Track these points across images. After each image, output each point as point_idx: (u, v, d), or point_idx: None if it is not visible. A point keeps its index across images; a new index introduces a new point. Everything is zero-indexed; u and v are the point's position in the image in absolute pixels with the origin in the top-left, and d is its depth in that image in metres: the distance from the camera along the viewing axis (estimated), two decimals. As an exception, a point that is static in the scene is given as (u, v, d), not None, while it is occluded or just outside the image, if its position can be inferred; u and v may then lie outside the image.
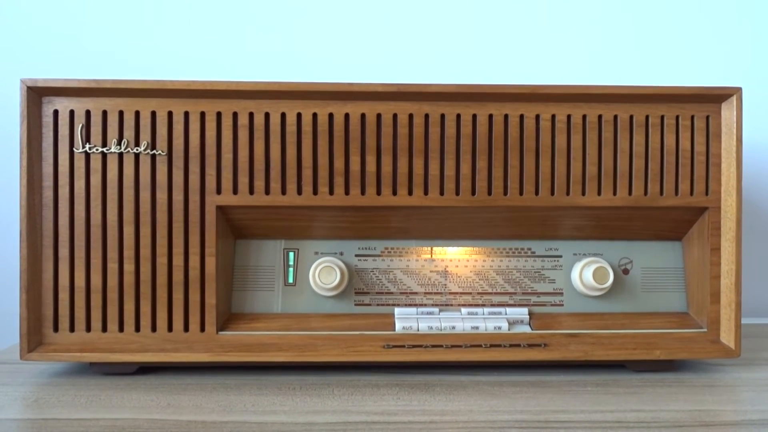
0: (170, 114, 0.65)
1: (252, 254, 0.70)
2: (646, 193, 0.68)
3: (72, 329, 0.65)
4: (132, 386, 0.63)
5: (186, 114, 0.65)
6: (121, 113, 0.65)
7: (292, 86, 0.65)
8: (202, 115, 0.65)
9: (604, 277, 0.68)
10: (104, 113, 0.65)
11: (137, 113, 0.65)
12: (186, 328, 0.66)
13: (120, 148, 0.65)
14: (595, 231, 0.71)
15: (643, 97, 0.67)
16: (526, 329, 0.69)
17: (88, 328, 0.65)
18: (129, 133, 0.65)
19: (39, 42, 1.04)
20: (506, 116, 0.67)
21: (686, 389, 0.64)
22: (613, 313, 0.71)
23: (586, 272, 0.69)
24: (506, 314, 0.70)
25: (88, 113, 0.65)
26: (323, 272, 0.67)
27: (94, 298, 0.65)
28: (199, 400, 0.59)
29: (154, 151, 0.65)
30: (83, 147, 0.65)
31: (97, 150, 0.65)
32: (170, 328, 0.66)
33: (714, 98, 0.67)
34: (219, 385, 0.64)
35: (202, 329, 0.66)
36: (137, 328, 0.65)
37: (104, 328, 0.65)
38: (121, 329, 0.65)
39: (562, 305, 0.71)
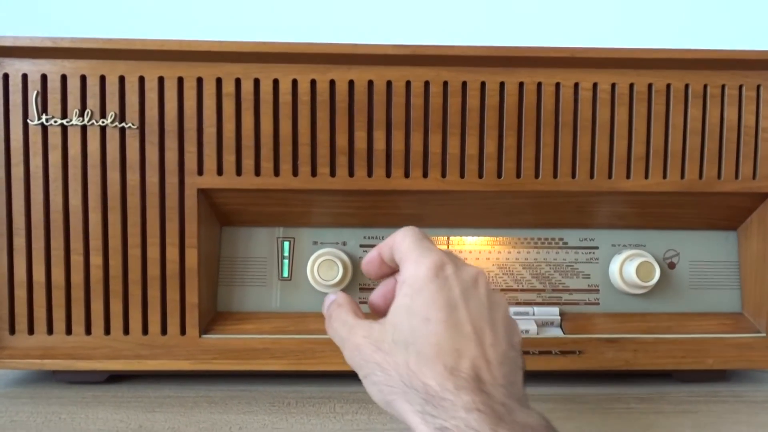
0: (142, 79, 0.56)
1: (241, 244, 0.61)
2: (701, 176, 0.58)
3: (31, 331, 0.57)
4: (100, 399, 0.55)
5: (161, 79, 0.56)
6: (83, 78, 0.55)
7: (287, 47, 0.55)
8: (180, 80, 0.56)
9: (649, 273, 0.59)
10: (63, 78, 0.55)
11: (102, 78, 0.55)
12: (164, 331, 0.57)
13: (83, 120, 0.55)
14: (638, 219, 0.61)
15: (701, 62, 0.57)
16: (558, 333, 0.60)
17: (50, 331, 0.57)
18: (93, 101, 0.55)
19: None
20: (539, 85, 0.57)
21: (745, 407, 0.55)
22: (656, 313, 0.62)
23: (627, 267, 0.60)
24: (534, 315, 0.61)
25: (44, 78, 0.55)
26: (323, 266, 0.58)
27: (56, 295, 0.56)
28: (176, 421, 0.50)
29: (124, 124, 0.55)
30: (39, 118, 0.55)
31: (55, 122, 0.55)
32: (145, 331, 0.57)
33: (785, 64, 0.57)
34: (201, 398, 0.55)
35: (183, 332, 0.57)
36: (107, 331, 0.57)
37: (68, 331, 0.57)
38: (88, 332, 0.57)
39: (598, 304, 0.62)
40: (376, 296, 0.46)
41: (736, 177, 0.58)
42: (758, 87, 0.58)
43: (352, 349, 0.41)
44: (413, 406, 0.35)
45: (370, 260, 0.45)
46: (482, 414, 0.33)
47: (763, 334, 0.60)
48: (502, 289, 0.62)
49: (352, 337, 0.41)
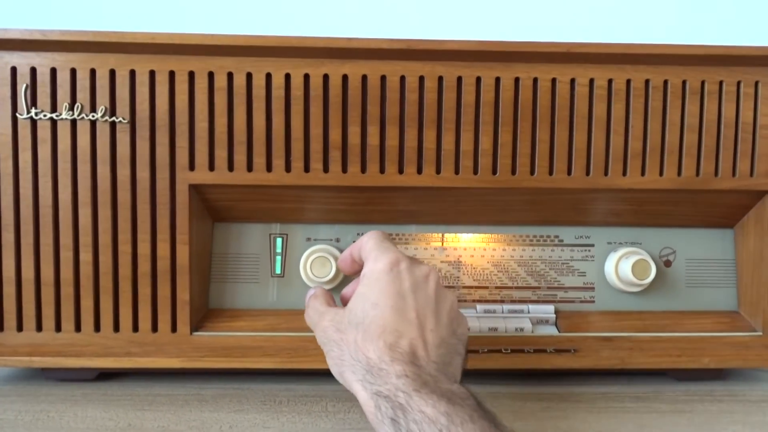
0: (133, 73, 0.55)
1: (233, 240, 0.60)
2: (698, 173, 0.57)
3: (20, 328, 0.56)
4: (90, 397, 0.54)
5: (152, 73, 0.55)
6: (73, 71, 0.54)
7: (280, 41, 0.54)
8: (171, 74, 0.55)
9: (645, 271, 0.59)
10: (53, 71, 0.54)
11: (93, 72, 0.55)
12: (154, 328, 0.57)
13: (73, 114, 0.54)
14: (634, 216, 0.61)
15: (699, 58, 0.56)
16: (553, 331, 0.60)
17: (39, 328, 0.56)
18: (83, 95, 0.54)
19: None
20: (535, 80, 0.56)
21: (741, 406, 0.55)
22: (652, 311, 0.61)
23: (623, 265, 0.59)
24: (529, 312, 0.60)
25: (33, 71, 0.54)
26: (316, 263, 0.58)
27: (45, 292, 0.56)
28: (166, 420, 0.49)
29: (114, 118, 0.55)
30: (28, 112, 0.54)
31: (45, 116, 0.54)
32: (136, 328, 0.56)
33: (783, 61, 0.56)
34: (192, 396, 0.55)
35: (174, 329, 0.56)
36: (97, 328, 0.56)
37: (58, 328, 0.56)
38: (78, 329, 0.56)
39: (593, 302, 0.62)
40: (347, 290, 0.51)
41: (734, 174, 0.58)
42: (756, 83, 0.57)
43: (320, 332, 0.47)
44: (356, 375, 0.41)
45: (343, 259, 0.51)
46: (409, 379, 0.39)
47: (760, 333, 0.60)
48: (497, 287, 0.61)
49: (321, 322, 0.47)
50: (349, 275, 0.53)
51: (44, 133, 0.54)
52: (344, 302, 0.50)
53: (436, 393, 0.38)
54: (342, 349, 0.44)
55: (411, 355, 0.41)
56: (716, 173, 0.57)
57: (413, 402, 0.38)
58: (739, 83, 0.57)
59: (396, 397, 0.38)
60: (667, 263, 0.62)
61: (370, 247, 0.47)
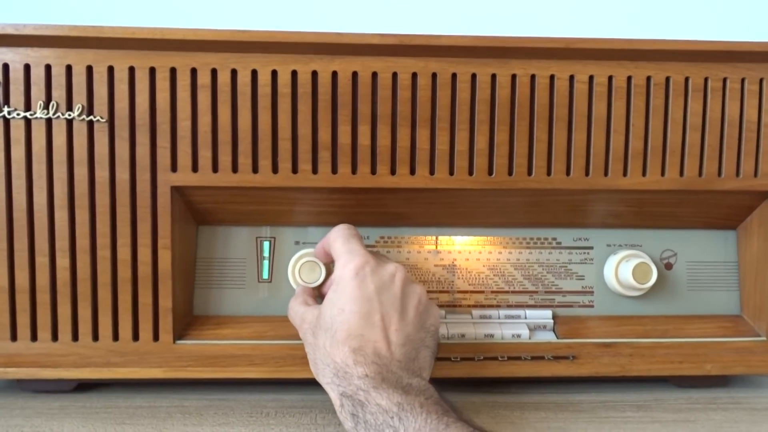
0: (111, 69, 0.52)
1: (218, 244, 0.57)
2: (701, 173, 0.55)
3: (-7, 338, 0.53)
4: (67, 410, 0.52)
5: (131, 70, 0.52)
6: (48, 68, 0.52)
7: (266, 36, 0.52)
8: (152, 71, 0.52)
9: (646, 275, 0.57)
10: (27, 68, 0.52)
11: (69, 68, 0.52)
12: (135, 337, 0.54)
13: (48, 113, 0.52)
14: (635, 218, 0.59)
15: (702, 54, 0.54)
16: (551, 337, 0.58)
17: (14, 337, 0.54)
18: (59, 93, 0.52)
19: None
20: (533, 77, 0.54)
21: (745, 414, 0.53)
22: (653, 316, 0.59)
23: (623, 268, 0.57)
24: (526, 318, 0.58)
25: (5, 67, 0.52)
26: (305, 267, 0.55)
27: (20, 299, 0.53)
28: (147, 435, 0.47)
29: (92, 117, 0.52)
30: (1, 111, 0.51)
31: (18, 115, 0.52)
32: (116, 337, 0.54)
33: (789, 57, 0.54)
34: (175, 408, 0.52)
35: (156, 338, 0.54)
36: (75, 337, 0.54)
37: (34, 337, 0.54)
38: (54, 338, 0.54)
39: (593, 306, 0.60)
40: (326, 286, 0.53)
41: (737, 174, 0.56)
42: (761, 80, 0.55)
43: (301, 334, 0.50)
44: (326, 378, 0.45)
45: (317, 251, 0.54)
46: (369, 378, 0.42)
47: (764, 338, 0.58)
48: (493, 292, 0.59)
49: (302, 324, 0.50)
50: (328, 263, 0.54)
51: (18, 132, 0.52)
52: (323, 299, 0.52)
53: (393, 387, 0.41)
54: (316, 353, 0.47)
55: (374, 356, 0.44)
56: (719, 173, 0.56)
57: (371, 397, 0.41)
58: (743, 80, 0.55)
59: (356, 395, 0.42)
60: (668, 266, 0.60)
61: (338, 248, 0.50)
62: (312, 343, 0.47)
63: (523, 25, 0.90)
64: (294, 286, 0.56)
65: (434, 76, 0.54)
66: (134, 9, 0.87)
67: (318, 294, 0.54)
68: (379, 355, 0.44)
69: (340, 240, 0.50)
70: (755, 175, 0.56)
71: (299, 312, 0.51)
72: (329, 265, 0.53)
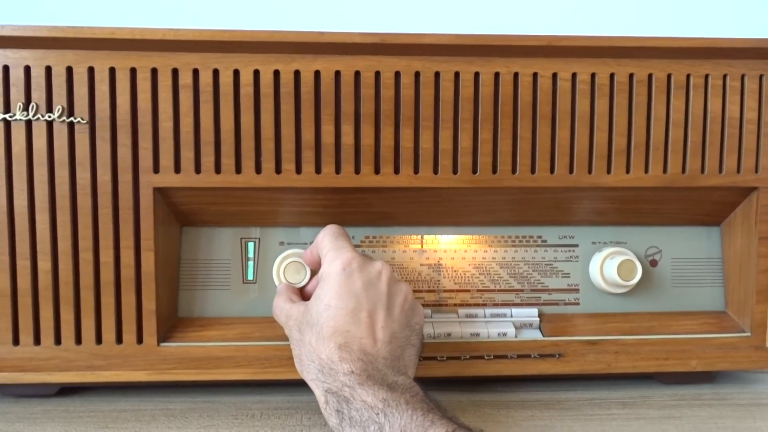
0: (91, 70, 0.52)
1: (202, 245, 0.57)
2: (684, 170, 0.56)
3: (-26, 342, 0.52)
4: (50, 414, 0.51)
5: (112, 70, 0.52)
6: (27, 69, 0.51)
7: (248, 35, 0.51)
8: (133, 71, 0.52)
9: (630, 271, 0.57)
10: (5, 69, 0.51)
11: (48, 69, 0.51)
12: (119, 340, 0.54)
13: (27, 115, 0.51)
14: (619, 215, 0.59)
15: (684, 51, 0.55)
16: (536, 335, 0.58)
17: (-5, 341, 0.52)
18: (38, 94, 0.51)
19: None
20: (516, 75, 0.54)
21: (730, 410, 0.53)
22: (638, 313, 0.60)
23: (608, 266, 0.57)
24: (512, 316, 0.58)
25: (-17, 69, 0.51)
26: (290, 268, 0.55)
27: (1, 303, 0.53)
28: (130, 438, 0.47)
29: (72, 118, 0.51)
30: (-21, 113, 0.51)
31: (-3, 116, 0.51)
32: (99, 340, 0.53)
33: (769, 53, 0.55)
34: (160, 411, 0.52)
35: (140, 340, 0.54)
36: (57, 341, 0.53)
37: (15, 341, 0.53)
38: (37, 341, 0.53)
39: (578, 304, 0.60)
40: (309, 287, 0.54)
41: (720, 171, 0.56)
42: (743, 77, 0.55)
43: (287, 331, 0.49)
44: (310, 374, 0.44)
45: (305, 256, 0.54)
46: (355, 375, 0.42)
47: (748, 334, 0.58)
48: (479, 290, 0.59)
49: (288, 321, 0.49)
50: (314, 269, 0.53)
51: (-3, 134, 0.51)
52: (306, 298, 0.52)
53: (378, 384, 0.41)
54: (301, 349, 0.46)
55: (360, 353, 0.44)
56: (703, 170, 0.56)
57: (356, 394, 0.41)
58: (725, 77, 0.55)
59: (342, 391, 0.42)
60: (653, 263, 0.60)
61: (325, 246, 0.50)
62: (298, 340, 0.47)
63: (506, 24, 0.90)
64: (279, 286, 0.56)
65: (417, 74, 0.53)
66: (119, 9, 0.86)
67: (301, 294, 0.54)
68: (365, 352, 0.44)
69: (327, 238, 0.50)
70: (738, 171, 0.56)
71: (284, 309, 0.50)
72: (315, 270, 0.53)
